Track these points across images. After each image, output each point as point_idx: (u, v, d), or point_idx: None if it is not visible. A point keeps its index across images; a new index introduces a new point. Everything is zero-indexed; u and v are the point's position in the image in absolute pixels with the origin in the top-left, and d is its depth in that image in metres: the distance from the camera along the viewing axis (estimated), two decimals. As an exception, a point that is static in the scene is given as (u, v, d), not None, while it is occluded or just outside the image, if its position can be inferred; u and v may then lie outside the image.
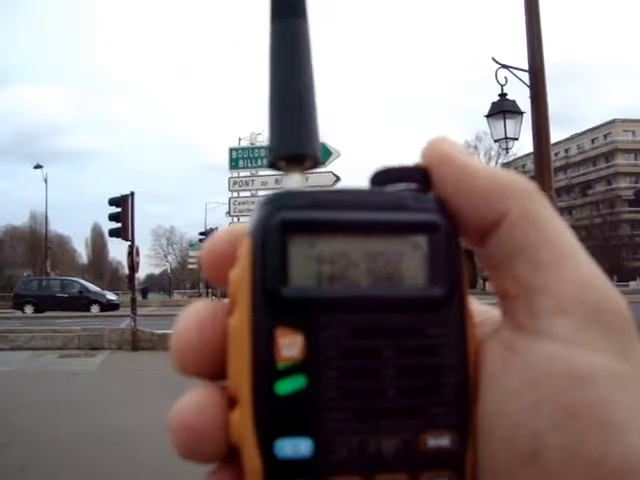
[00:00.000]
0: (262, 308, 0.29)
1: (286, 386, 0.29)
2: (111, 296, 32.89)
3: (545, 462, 0.28)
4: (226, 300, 0.32)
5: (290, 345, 0.29)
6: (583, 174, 66.94)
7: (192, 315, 0.32)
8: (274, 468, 0.29)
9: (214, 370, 0.32)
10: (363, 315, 0.30)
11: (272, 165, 0.35)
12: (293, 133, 0.34)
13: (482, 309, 0.35)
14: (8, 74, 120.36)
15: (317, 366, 0.29)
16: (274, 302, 0.30)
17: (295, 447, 0.29)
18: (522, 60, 9.06)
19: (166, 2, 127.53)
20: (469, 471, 0.30)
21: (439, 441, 0.30)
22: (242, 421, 0.29)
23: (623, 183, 62.89)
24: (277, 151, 0.34)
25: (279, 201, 0.31)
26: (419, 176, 0.33)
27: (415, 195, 0.32)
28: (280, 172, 0.35)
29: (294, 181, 0.34)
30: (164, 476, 4.49)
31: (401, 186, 0.32)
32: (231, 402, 0.30)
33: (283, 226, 0.30)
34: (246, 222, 0.32)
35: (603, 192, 63.94)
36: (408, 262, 0.31)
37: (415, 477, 0.30)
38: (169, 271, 78.56)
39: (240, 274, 0.30)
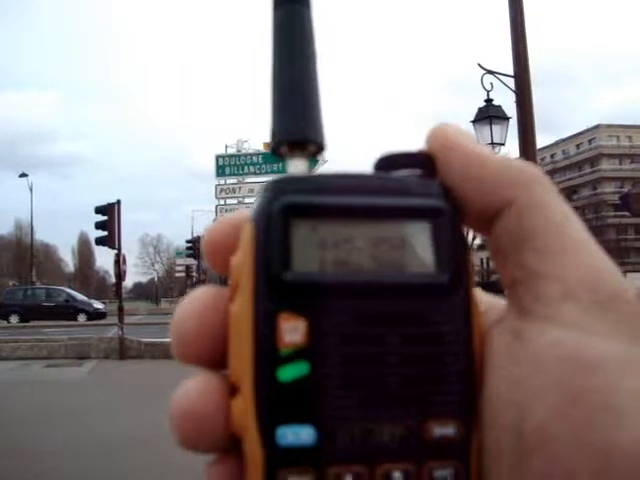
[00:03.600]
0: (264, 293, 0.29)
1: (289, 373, 0.28)
2: (98, 305, 32.66)
3: (551, 451, 0.27)
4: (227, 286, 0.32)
5: (293, 331, 0.29)
6: (569, 179, 67.34)
7: (193, 302, 0.31)
8: (276, 456, 0.28)
9: (215, 358, 0.31)
10: (367, 301, 0.30)
11: (275, 150, 0.34)
12: (296, 118, 0.34)
13: (487, 298, 0.34)
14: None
15: (320, 352, 0.29)
16: (276, 287, 0.29)
17: (297, 435, 0.28)
18: (510, 63, 9.11)
19: (154, 11, 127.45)
20: (474, 460, 0.30)
21: (444, 430, 0.29)
22: (243, 409, 0.29)
23: (608, 188, 63.32)
24: (280, 136, 0.34)
25: (281, 186, 0.30)
26: (424, 162, 0.32)
27: (419, 181, 0.32)
28: (284, 157, 0.34)
29: (297, 166, 0.34)
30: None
31: (405, 172, 0.32)
32: (232, 390, 0.30)
33: (285, 211, 0.30)
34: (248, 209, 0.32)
35: (588, 197, 64.34)
36: (412, 248, 0.31)
37: (419, 466, 0.29)
38: (156, 279, 78.26)
39: (242, 259, 0.30)
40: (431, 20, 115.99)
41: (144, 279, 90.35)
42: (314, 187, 0.30)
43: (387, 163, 0.33)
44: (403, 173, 0.32)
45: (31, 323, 26.55)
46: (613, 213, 60.32)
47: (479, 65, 9.36)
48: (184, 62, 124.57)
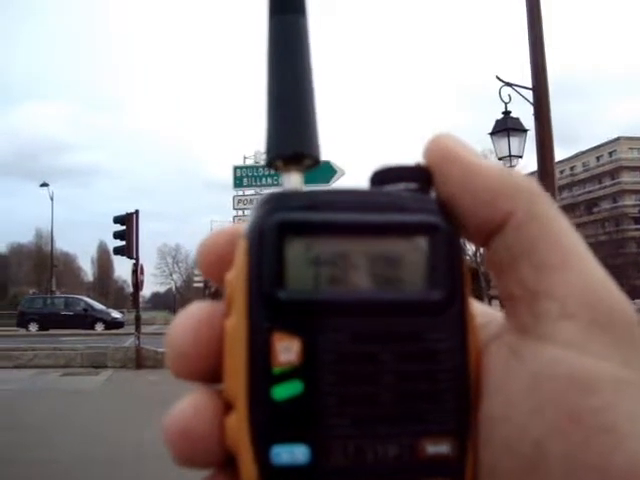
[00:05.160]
0: (258, 311, 0.29)
1: (283, 391, 0.28)
2: (116, 314, 32.85)
3: (547, 469, 0.27)
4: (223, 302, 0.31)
5: (287, 349, 0.28)
6: (588, 192, 66.84)
7: (188, 317, 0.31)
8: (270, 475, 0.28)
9: (211, 374, 0.31)
10: (361, 319, 0.29)
11: (270, 165, 0.34)
12: (291, 131, 0.33)
13: (485, 311, 0.34)
14: (12, 92, 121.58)
15: (314, 371, 0.29)
16: (270, 305, 0.29)
17: (291, 454, 0.28)
18: (528, 75, 9.07)
19: (169, 22, 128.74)
20: (469, 478, 0.29)
21: (438, 448, 0.29)
22: (238, 426, 0.29)
23: (629, 200, 62.71)
24: (274, 150, 0.33)
25: (276, 202, 0.30)
26: (419, 175, 0.32)
27: (415, 195, 0.31)
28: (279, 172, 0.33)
29: (292, 181, 0.33)
30: (165, 497, 4.44)
31: (401, 186, 0.32)
32: (227, 407, 0.30)
33: (280, 227, 0.29)
34: (245, 222, 0.31)
35: (609, 210, 63.78)
36: (408, 265, 0.30)
37: None
38: (174, 289, 78.61)
39: (236, 276, 0.30)
40: (447, 33, 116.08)
41: (162, 289, 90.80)
42: (308, 203, 0.30)
43: (382, 177, 0.32)
44: (399, 187, 0.31)
45: (49, 331, 26.74)
46: (634, 226, 59.73)
47: (497, 77, 9.33)
48: (205, 73, 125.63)
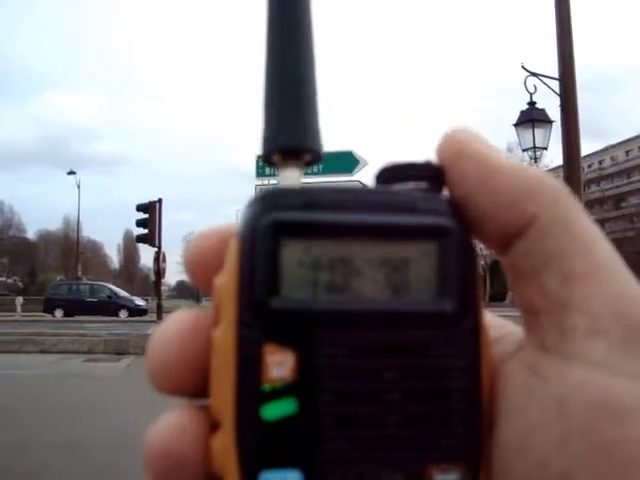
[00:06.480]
0: (249, 321, 0.26)
1: (274, 411, 0.26)
2: (139, 301, 33.19)
3: None
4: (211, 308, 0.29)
5: (279, 364, 0.26)
6: (617, 186, 65.97)
7: (172, 325, 0.29)
8: None
9: (197, 389, 0.28)
10: (364, 331, 0.27)
11: (266, 159, 0.31)
12: (290, 123, 0.30)
13: (497, 323, 0.31)
14: (43, 81, 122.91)
15: (310, 389, 0.26)
16: (262, 314, 0.26)
17: None
18: (554, 65, 8.93)
19: (197, 13, 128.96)
20: None
21: (447, 477, 0.27)
22: (224, 448, 0.26)
23: (658, 196, 61.82)
24: (271, 143, 0.31)
25: (271, 199, 0.27)
26: (430, 174, 0.29)
27: (425, 195, 0.29)
28: (276, 167, 0.31)
29: (290, 178, 0.30)
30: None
31: (410, 185, 0.29)
32: (213, 425, 0.27)
33: (274, 228, 0.27)
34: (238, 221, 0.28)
35: (637, 205, 62.90)
36: (416, 271, 0.28)
37: None
38: (198, 278, 79.08)
39: (226, 281, 0.27)
40: (473, 21, 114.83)
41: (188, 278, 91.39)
42: (307, 202, 0.27)
43: (390, 175, 0.30)
44: (407, 186, 0.29)
45: (74, 318, 27.16)
46: (663, 222, 58.79)
47: (522, 67, 9.18)
48: (234, 62, 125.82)
